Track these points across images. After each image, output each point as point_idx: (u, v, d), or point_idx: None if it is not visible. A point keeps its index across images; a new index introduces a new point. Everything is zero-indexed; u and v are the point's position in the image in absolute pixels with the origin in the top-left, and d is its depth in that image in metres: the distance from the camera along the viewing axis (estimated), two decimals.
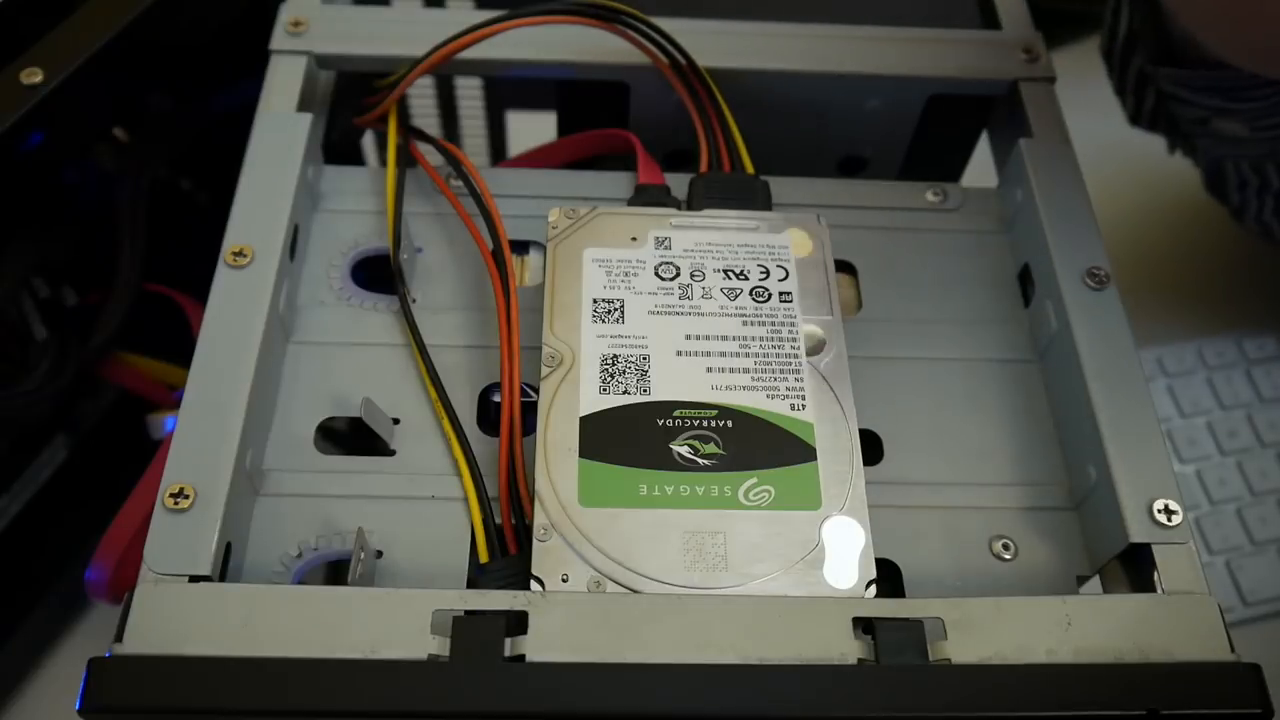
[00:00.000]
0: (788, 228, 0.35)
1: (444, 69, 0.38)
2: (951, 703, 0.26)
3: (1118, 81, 0.50)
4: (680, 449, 0.31)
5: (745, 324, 0.33)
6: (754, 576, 0.29)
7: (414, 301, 0.35)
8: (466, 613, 0.27)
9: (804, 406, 0.32)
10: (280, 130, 0.36)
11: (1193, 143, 0.50)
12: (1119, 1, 0.48)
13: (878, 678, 0.26)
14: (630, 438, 0.31)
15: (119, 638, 0.26)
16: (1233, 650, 0.27)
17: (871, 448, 0.33)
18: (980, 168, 0.44)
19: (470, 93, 0.54)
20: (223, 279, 0.33)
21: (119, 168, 0.43)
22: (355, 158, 0.46)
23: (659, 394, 0.32)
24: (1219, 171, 0.51)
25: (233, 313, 0.32)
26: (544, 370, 0.32)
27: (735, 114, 0.38)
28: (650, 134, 0.39)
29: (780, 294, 0.34)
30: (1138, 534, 0.30)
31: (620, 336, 0.33)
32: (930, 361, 0.35)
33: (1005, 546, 0.32)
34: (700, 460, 0.30)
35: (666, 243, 0.35)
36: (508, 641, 0.27)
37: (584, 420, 0.31)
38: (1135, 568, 0.31)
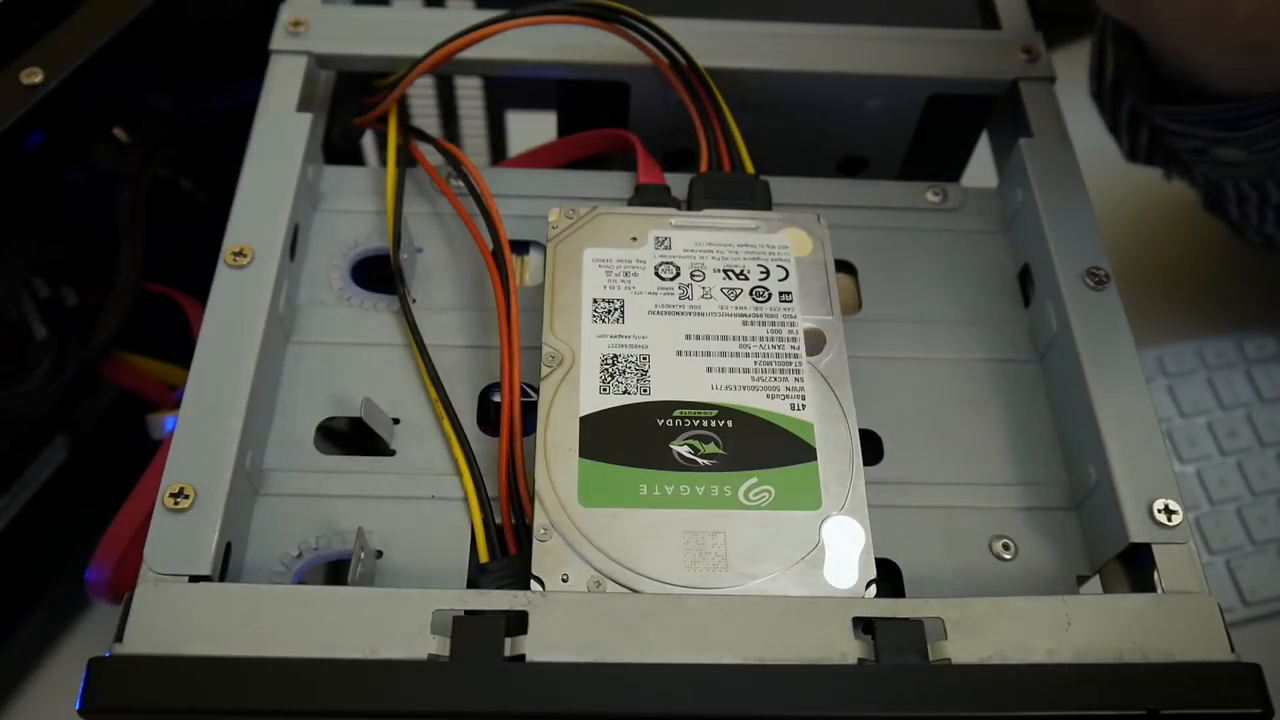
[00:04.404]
0: (788, 228, 0.35)
1: (444, 69, 0.38)
2: (951, 703, 0.26)
3: (1110, 120, 0.51)
4: (680, 449, 0.31)
5: (745, 324, 0.33)
6: (754, 576, 0.29)
7: (414, 301, 0.35)
8: (466, 613, 0.27)
9: (804, 406, 0.32)
10: (280, 130, 0.36)
11: (1189, 169, 0.50)
12: (1103, 43, 0.48)
13: (878, 678, 0.26)
14: (630, 438, 0.31)
15: (119, 638, 0.26)
16: (1233, 650, 0.27)
17: (871, 448, 0.33)
18: (980, 168, 0.44)
19: (470, 93, 0.54)
20: (223, 279, 0.33)
21: (119, 168, 0.43)
22: (355, 158, 0.46)
23: (659, 394, 0.32)
24: (1218, 191, 0.51)
25: (233, 313, 0.32)
26: (544, 370, 0.32)
27: (735, 114, 0.38)
28: (650, 134, 0.39)
29: (780, 294, 0.34)
30: (1138, 534, 0.30)
31: (620, 336, 0.33)
32: (930, 361, 0.35)
33: (1005, 546, 0.32)
34: (700, 460, 0.30)
35: (666, 243, 0.35)
36: (508, 641, 0.27)
37: (584, 420, 0.31)
38: (1135, 568, 0.31)
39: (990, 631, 0.27)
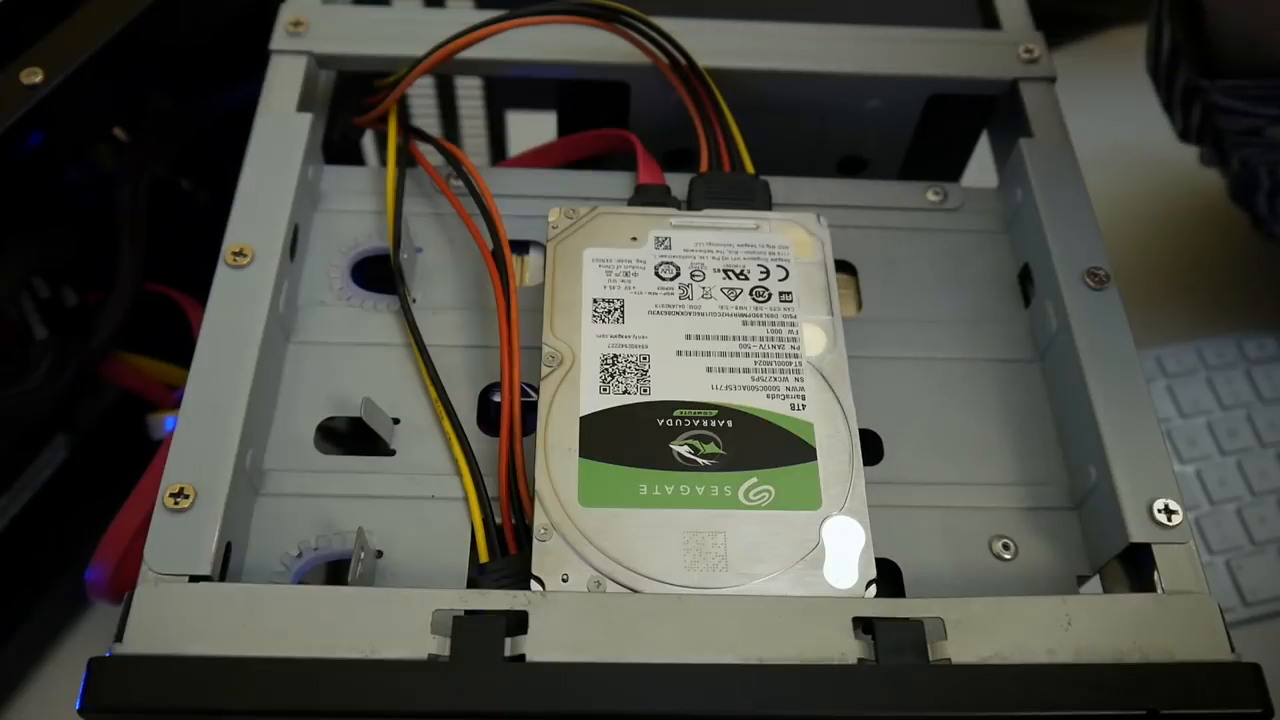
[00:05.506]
0: (788, 228, 0.35)
1: (444, 69, 0.38)
2: (951, 703, 0.26)
3: (1164, 97, 0.50)
4: (680, 449, 0.31)
5: (745, 324, 0.33)
6: (754, 576, 0.29)
7: (414, 301, 0.35)
8: (466, 613, 0.27)
9: (804, 406, 0.32)
10: (280, 130, 0.36)
11: (1229, 153, 0.50)
12: (1160, 18, 0.47)
13: (878, 678, 0.26)
14: (630, 438, 0.31)
15: (119, 637, 0.26)
16: (1233, 650, 0.27)
17: (871, 448, 0.33)
18: (980, 168, 0.44)
19: (470, 93, 0.54)
20: (223, 279, 0.33)
21: (119, 168, 0.43)
22: (355, 158, 0.46)
23: (659, 394, 0.32)
24: (1251, 180, 0.50)
25: (233, 313, 0.32)
26: (544, 370, 0.32)
27: (735, 114, 0.38)
28: (650, 134, 0.39)
29: (780, 294, 0.34)
30: (1138, 534, 0.30)
31: (620, 336, 0.33)
32: (930, 361, 0.35)
33: (1005, 546, 0.32)
34: (700, 460, 0.30)
35: (666, 243, 0.35)
36: (508, 641, 0.27)
37: (584, 420, 0.31)
38: (1135, 568, 0.31)
39: (990, 631, 0.27)
